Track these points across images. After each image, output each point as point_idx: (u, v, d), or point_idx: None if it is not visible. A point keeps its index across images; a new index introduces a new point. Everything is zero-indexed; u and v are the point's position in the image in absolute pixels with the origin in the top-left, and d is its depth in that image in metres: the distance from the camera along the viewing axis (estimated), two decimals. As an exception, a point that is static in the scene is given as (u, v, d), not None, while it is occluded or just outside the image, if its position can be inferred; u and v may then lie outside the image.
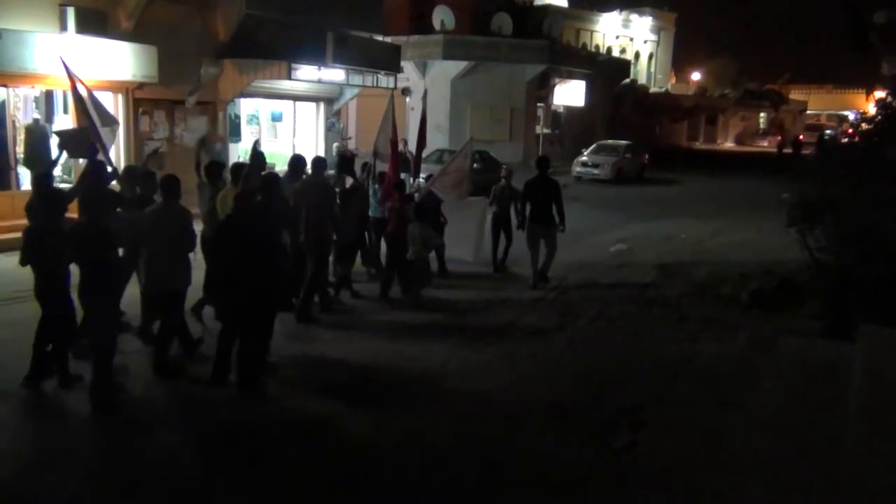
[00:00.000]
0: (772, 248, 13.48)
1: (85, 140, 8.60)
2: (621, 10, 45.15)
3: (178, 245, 6.52)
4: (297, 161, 9.15)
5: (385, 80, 21.24)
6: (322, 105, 20.44)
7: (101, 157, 8.43)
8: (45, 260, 6.01)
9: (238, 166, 8.47)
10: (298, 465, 5.26)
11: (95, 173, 7.94)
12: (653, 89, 46.25)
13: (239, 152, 18.08)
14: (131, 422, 5.89)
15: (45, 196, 6.41)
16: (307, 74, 17.84)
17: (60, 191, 7.49)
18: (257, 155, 9.67)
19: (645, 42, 47.84)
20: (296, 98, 19.53)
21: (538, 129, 31.19)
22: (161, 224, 6.51)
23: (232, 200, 6.65)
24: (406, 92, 27.36)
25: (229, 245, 6.27)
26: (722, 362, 7.77)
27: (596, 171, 26.80)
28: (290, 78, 17.32)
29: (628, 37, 45.82)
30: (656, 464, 5.46)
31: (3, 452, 5.32)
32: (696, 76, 56.96)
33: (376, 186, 10.31)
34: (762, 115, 57.58)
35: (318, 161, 8.89)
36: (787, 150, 38.24)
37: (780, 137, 46.42)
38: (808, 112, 67.09)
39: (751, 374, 7.46)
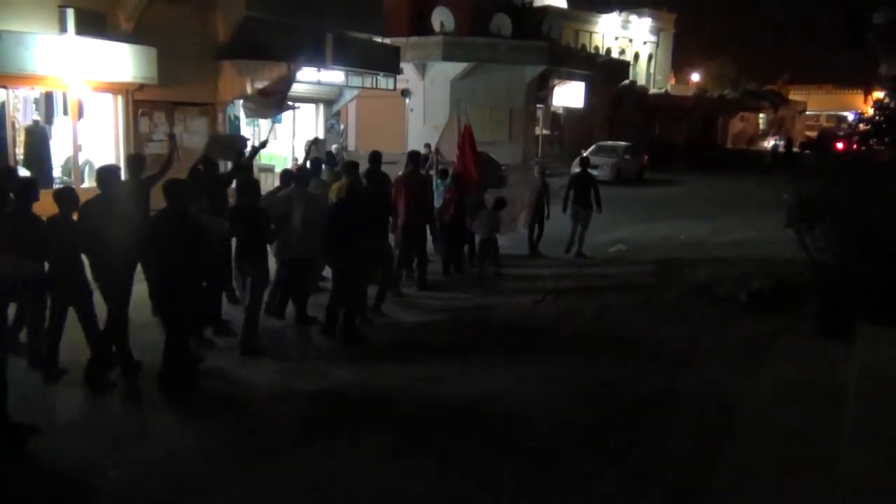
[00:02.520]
0: (771, 248, 13.49)
1: (232, 144, 9.97)
2: (620, 11, 45.16)
3: (310, 222, 7.86)
4: (375, 157, 9.71)
5: (384, 82, 21.27)
6: (322, 106, 20.45)
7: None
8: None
9: (353, 164, 9.35)
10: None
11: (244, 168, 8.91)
12: (652, 90, 46.26)
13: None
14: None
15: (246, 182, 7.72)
16: (307, 76, 17.84)
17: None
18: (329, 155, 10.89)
19: (644, 43, 47.86)
20: (295, 99, 19.51)
21: (537, 130, 31.22)
22: (296, 205, 7.93)
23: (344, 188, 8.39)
24: (405, 93, 27.37)
25: (346, 218, 7.70)
26: (721, 362, 7.78)
27: (595, 172, 26.69)
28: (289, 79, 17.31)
29: (628, 38, 45.84)
30: (655, 464, 5.47)
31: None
32: (695, 77, 57.00)
33: (439, 181, 11.64)
34: (762, 115, 57.61)
35: (413, 155, 10.63)
36: (781, 150, 38.36)
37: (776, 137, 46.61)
38: (808, 112, 67.12)
39: (749, 374, 7.48)
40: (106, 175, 6.76)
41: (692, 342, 8.43)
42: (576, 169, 14.98)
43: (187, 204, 6.61)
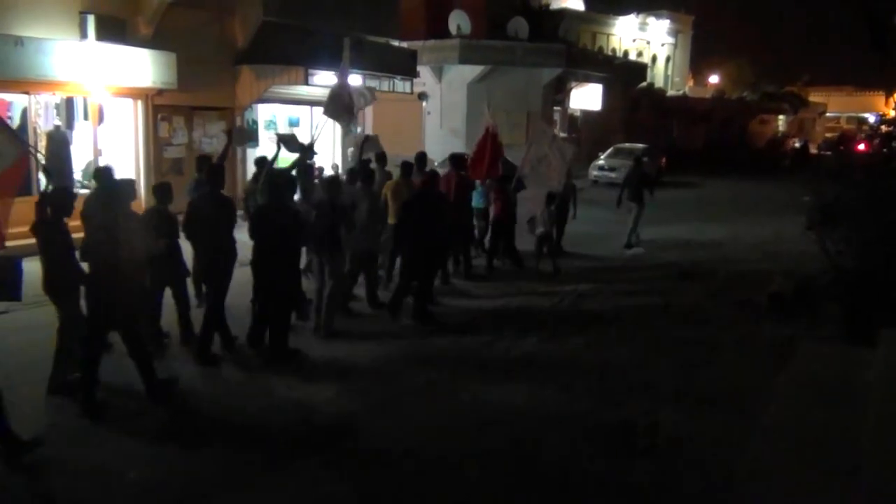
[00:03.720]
0: (791, 251, 13.36)
1: (295, 139, 10.45)
2: (638, 13, 44.94)
3: (373, 216, 8.89)
4: (422, 158, 10.98)
5: (402, 85, 21.28)
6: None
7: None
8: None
9: (408, 164, 10.25)
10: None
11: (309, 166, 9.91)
12: (670, 92, 46.01)
13: (256, 157, 18.21)
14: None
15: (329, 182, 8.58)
16: (324, 80, 17.89)
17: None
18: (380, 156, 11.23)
19: (662, 45, 47.62)
20: (312, 103, 19.59)
21: (555, 132, 31.11)
22: (361, 202, 8.73)
23: (397, 186, 9.68)
24: (422, 97, 27.38)
25: (416, 213, 8.63)
26: (740, 366, 7.72)
27: (613, 175, 26.69)
28: (307, 83, 17.39)
29: (645, 40, 45.63)
30: (675, 468, 5.43)
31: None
32: (713, 79, 56.62)
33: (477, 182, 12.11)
34: (781, 117, 57.14)
35: (454, 157, 11.36)
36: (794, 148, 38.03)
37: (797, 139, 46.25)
38: (828, 114, 66.50)
39: (769, 377, 7.41)
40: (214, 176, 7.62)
41: (712, 345, 8.37)
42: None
43: (288, 197, 7.52)
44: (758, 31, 57.01)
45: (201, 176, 8.48)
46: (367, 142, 11.83)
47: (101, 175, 8.07)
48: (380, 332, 8.48)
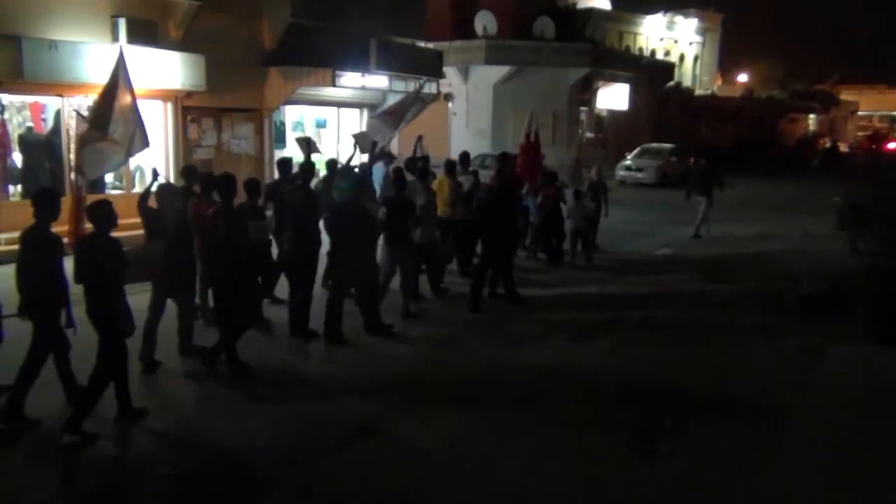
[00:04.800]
0: (821, 251, 13.22)
1: (368, 137, 11.24)
2: (666, 11, 44.60)
3: (429, 210, 9.57)
4: (466, 157, 11.85)
5: (427, 86, 21.32)
6: (366, 111, 20.60)
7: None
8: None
9: (451, 162, 10.96)
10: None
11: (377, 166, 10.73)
12: (698, 92, 45.57)
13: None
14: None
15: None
16: (351, 81, 18.01)
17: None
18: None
19: (690, 44, 47.21)
20: (340, 105, 19.73)
21: (581, 133, 31.01)
22: (418, 197, 9.38)
23: (441, 184, 10.31)
24: (448, 97, 27.40)
25: (493, 208, 9.47)
26: (770, 368, 7.64)
27: (640, 175, 26.57)
28: (334, 85, 17.50)
29: (673, 39, 45.26)
30: (702, 471, 5.39)
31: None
32: (742, 78, 56.00)
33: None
34: (811, 116, 56.37)
35: (503, 156, 11.28)
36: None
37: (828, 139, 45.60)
38: (860, 113, 65.43)
39: (800, 380, 7.34)
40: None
41: (742, 346, 8.30)
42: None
43: (363, 197, 8.22)
44: (788, 29, 56.23)
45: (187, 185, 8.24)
46: (420, 142, 12.30)
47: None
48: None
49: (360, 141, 11.36)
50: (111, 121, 8.39)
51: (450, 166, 10.75)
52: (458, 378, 7.20)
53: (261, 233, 7.81)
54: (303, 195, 8.12)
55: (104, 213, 5.65)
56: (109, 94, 8.48)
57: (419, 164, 10.57)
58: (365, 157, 11.41)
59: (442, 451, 5.59)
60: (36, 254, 5.66)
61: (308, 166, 8.77)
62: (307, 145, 10.32)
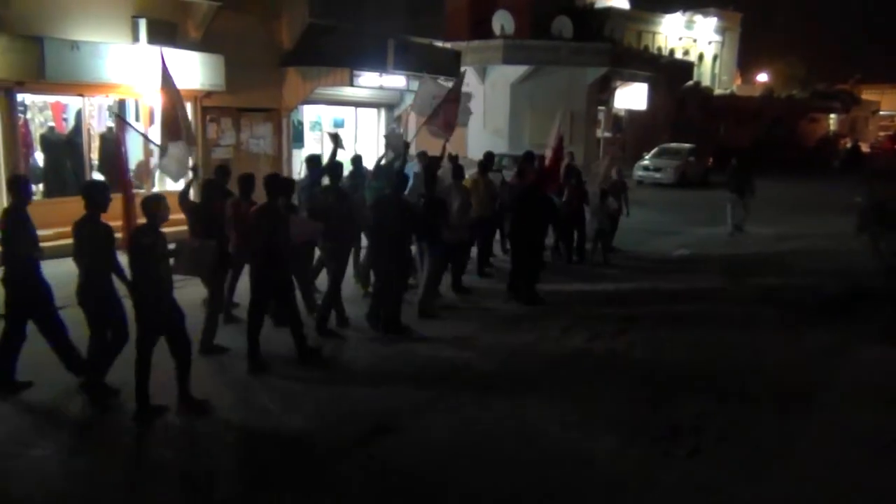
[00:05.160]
0: (842, 252, 13.11)
1: (400, 138, 11.41)
2: (685, 10, 44.31)
3: (463, 209, 9.71)
4: (489, 156, 11.71)
5: (445, 86, 21.31)
6: (383, 111, 20.65)
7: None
8: None
9: (485, 162, 11.20)
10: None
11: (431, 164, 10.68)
12: (717, 91, 45.27)
13: (302, 158, 18.42)
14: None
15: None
16: (369, 81, 18.04)
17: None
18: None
19: (709, 43, 46.89)
20: (357, 104, 19.78)
21: (598, 133, 30.90)
22: (454, 196, 9.64)
23: (475, 183, 10.55)
24: (466, 97, 27.35)
25: (526, 205, 9.75)
26: (789, 370, 7.58)
27: (658, 175, 26.45)
28: (351, 85, 17.55)
29: (692, 38, 44.98)
30: (720, 472, 5.36)
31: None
32: (762, 77, 55.54)
33: None
34: (832, 116, 55.83)
35: (530, 156, 11.55)
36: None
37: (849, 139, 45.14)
38: (882, 113, 64.65)
39: (819, 381, 7.28)
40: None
41: (761, 348, 8.23)
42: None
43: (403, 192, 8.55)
44: (808, 28, 55.61)
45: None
46: (394, 137, 12.13)
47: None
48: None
49: (393, 142, 11.46)
50: (176, 125, 8.66)
51: (483, 166, 11.03)
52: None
53: (310, 233, 7.90)
54: (334, 194, 8.37)
55: (157, 207, 5.92)
56: (170, 100, 8.76)
57: (452, 165, 10.80)
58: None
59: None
60: (91, 243, 5.91)
61: (336, 164, 8.91)
62: (335, 140, 10.46)
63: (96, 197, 6.02)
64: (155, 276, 5.82)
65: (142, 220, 6.15)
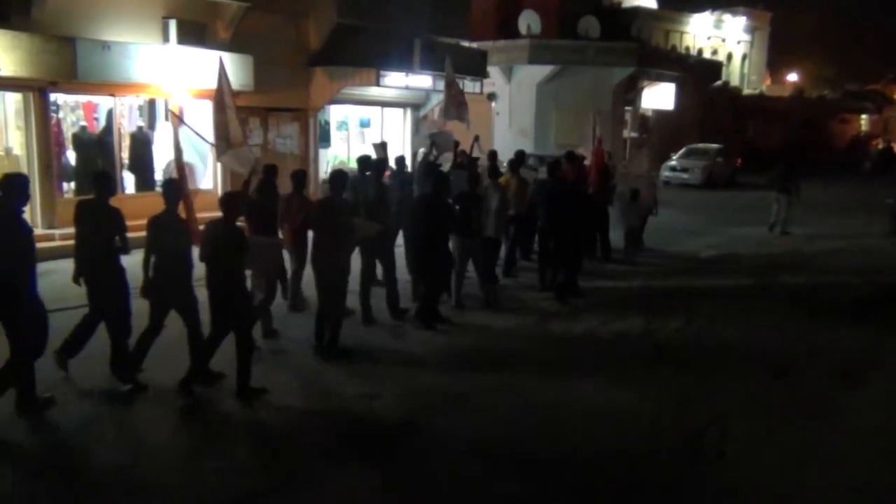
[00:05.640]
0: (874, 254, 12.94)
1: (450, 139, 11.59)
2: (713, 10, 43.91)
3: (500, 208, 9.87)
4: (520, 155, 11.91)
5: (471, 86, 21.31)
6: (409, 111, 20.69)
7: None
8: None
9: (515, 161, 11.28)
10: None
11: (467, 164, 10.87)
12: (746, 91, 44.80)
13: (328, 158, 18.54)
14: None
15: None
16: (395, 81, 18.08)
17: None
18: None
19: (738, 42, 46.42)
20: (384, 104, 19.83)
21: (625, 133, 30.69)
22: (491, 195, 9.84)
23: (507, 182, 10.63)
24: (492, 97, 27.35)
25: (556, 203, 10.00)
26: (822, 372, 7.48)
27: (685, 176, 26.26)
28: (378, 84, 17.60)
29: (720, 37, 44.55)
30: (746, 475, 5.31)
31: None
32: (792, 77, 54.85)
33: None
34: (863, 116, 54.99)
35: (569, 156, 11.68)
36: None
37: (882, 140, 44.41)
38: (915, 113, 63.59)
39: (851, 387, 7.18)
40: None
41: (791, 351, 8.14)
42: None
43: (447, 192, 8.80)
44: (839, 27, 54.76)
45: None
46: (478, 141, 12.47)
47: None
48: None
49: (439, 140, 11.66)
50: (230, 126, 8.86)
51: (514, 164, 11.20)
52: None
53: (369, 230, 8.13)
54: (375, 189, 8.74)
55: (234, 203, 6.44)
56: (219, 103, 8.89)
57: (489, 164, 11.14)
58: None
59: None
60: (173, 235, 6.29)
61: (381, 164, 9.35)
62: (383, 150, 11.03)
63: (171, 194, 6.54)
64: (229, 268, 6.21)
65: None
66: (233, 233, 6.30)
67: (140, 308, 6.57)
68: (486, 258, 9.84)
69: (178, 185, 6.87)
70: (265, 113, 16.06)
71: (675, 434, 5.93)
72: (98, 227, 6.38)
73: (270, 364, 7.18)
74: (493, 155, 12.01)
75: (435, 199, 8.55)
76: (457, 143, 11.47)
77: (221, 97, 8.78)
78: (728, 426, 6.06)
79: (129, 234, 6.54)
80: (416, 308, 8.73)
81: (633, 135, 31.12)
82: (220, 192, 14.70)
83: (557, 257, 10.17)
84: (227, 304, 6.25)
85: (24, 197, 5.82)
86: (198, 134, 9.38)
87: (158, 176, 14.32)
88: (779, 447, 5.74)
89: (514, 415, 6.27)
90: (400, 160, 10.82)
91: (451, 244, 9.04)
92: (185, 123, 10.30)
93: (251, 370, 6.39)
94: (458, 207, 9.05)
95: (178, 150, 8.75)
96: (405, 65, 17.96)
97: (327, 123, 18.62)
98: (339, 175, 7.53)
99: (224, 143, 8.51)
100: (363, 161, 9.96)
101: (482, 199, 9.46)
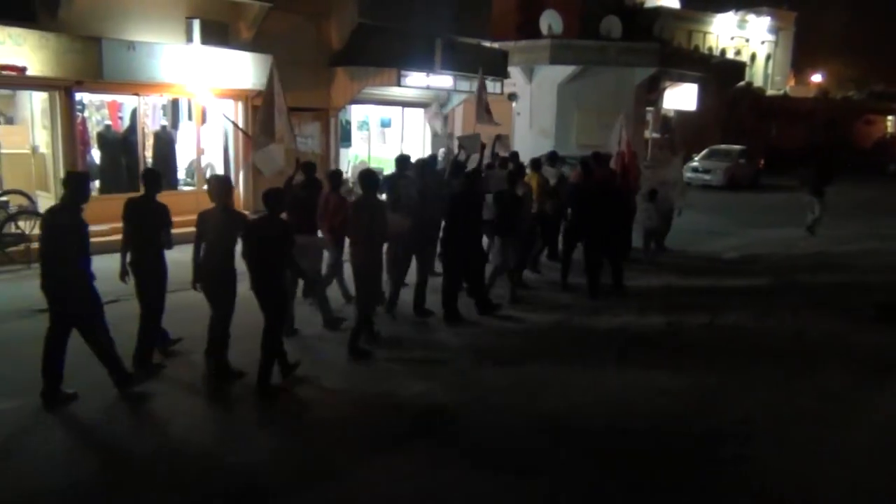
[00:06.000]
0: (897, 257, 12.77)
1: (477, 140, 11.70)
2: (737, 10, 43.56)
3: (528, 206, 10.02)
4: (553, 155, 12.66)
5: (492, 86, 21.29)
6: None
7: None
8: None
9: (536, 160, 11.46)
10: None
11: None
12: (770, 92, 44.39)
13: (349, 157, 18.60)
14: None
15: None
16: (416, 81, 18.11)
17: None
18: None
19: (762, 43, 46.02)
20: (404, 104, 19.87)
21: (647, 134, 30.53)
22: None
23: (535, 180, 10.77)
24: (513, 97, 27.31)
25: (584, 203, 10.24)
26: (846, 376, 7.40)
27: (707, 177, 26.07)
28: (399, 85, 17.63)
29: (744, 37, 44.19)
30: (765, 478, 5.26)
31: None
32: (816, 78, 54.29)
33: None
34: (889, 118, 54.26)
35: (597, 156, 11.82)
36: None
37: None
38: (942, 114, 62.65)
39: (874, 391, 7.10)
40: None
41: (815, 355, 8.06)
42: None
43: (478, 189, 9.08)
44: (865, 27, 54.09)
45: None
46: (500, 140, 12.54)
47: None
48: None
49: (467, 143, 11.77)
50: (275, 125, 9.07)
51: (536, 163, 11.30)
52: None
53: (399, 227, 8.28)
54: (417, 188, 9.00)
55: (277, 198, 6.57)
56: (269, 101, 9.14)
57: (515, 164, 11.13)
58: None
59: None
60: (230, 228, 6.52)
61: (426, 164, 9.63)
62: (473, 143, 11.54)
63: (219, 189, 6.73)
64: (272, 262, 6.39)
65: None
66: (278, 224, 6.51)
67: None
68: (521, 256, 10.02)
69: (229, 179, 7.15)
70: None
71: (702, 427, 5.90)
72: (146, 222, 6.63)
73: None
74: (514, 156, 12.02)
75: (470, 195, 8.79)
76: (483, 146, 11.56)
77: (271, 97, 9.08)
78: (752, 423, 6.01)
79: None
80: (477, 303, 9.08)
81: (655, 135, 30.95)
82: (242, 191, 14.82)
83: (592, 258, 10.24)
84: (269, 297, 6.43)
85: (87, 194, 6.20)
86: (245, 132, 9.78)
87: (181, 174, 14.45)
88: (803, 445, 5.70)
89: (539, 407, 6.40)
90: (431, 160, 10.86)
91: (485, 243, 9.29)
92: (235, 124, 10.62)
93: (273, 367, 6.48)
94: (495, 207, 9.29)
95: (255, 143, 9.13)
96: (426, 65, 17.99)
97: (348, 123, 18.69)
98: (370, 174, 7.58)
99: (267, 137, 8.87)
100: (403, 161, 10.01)
101: (522, 199, 9.60)
